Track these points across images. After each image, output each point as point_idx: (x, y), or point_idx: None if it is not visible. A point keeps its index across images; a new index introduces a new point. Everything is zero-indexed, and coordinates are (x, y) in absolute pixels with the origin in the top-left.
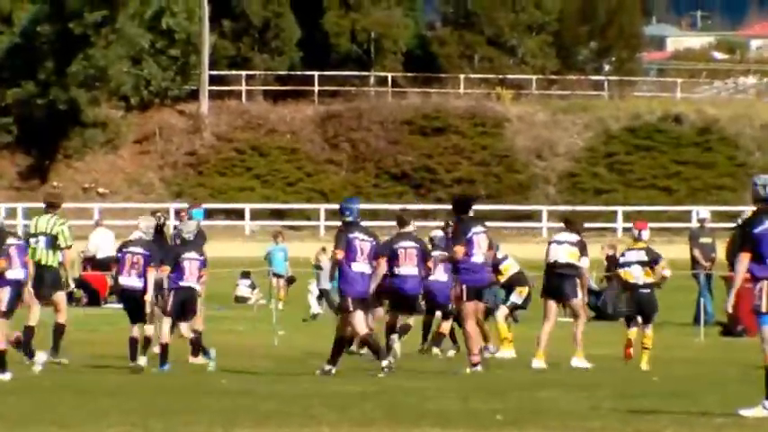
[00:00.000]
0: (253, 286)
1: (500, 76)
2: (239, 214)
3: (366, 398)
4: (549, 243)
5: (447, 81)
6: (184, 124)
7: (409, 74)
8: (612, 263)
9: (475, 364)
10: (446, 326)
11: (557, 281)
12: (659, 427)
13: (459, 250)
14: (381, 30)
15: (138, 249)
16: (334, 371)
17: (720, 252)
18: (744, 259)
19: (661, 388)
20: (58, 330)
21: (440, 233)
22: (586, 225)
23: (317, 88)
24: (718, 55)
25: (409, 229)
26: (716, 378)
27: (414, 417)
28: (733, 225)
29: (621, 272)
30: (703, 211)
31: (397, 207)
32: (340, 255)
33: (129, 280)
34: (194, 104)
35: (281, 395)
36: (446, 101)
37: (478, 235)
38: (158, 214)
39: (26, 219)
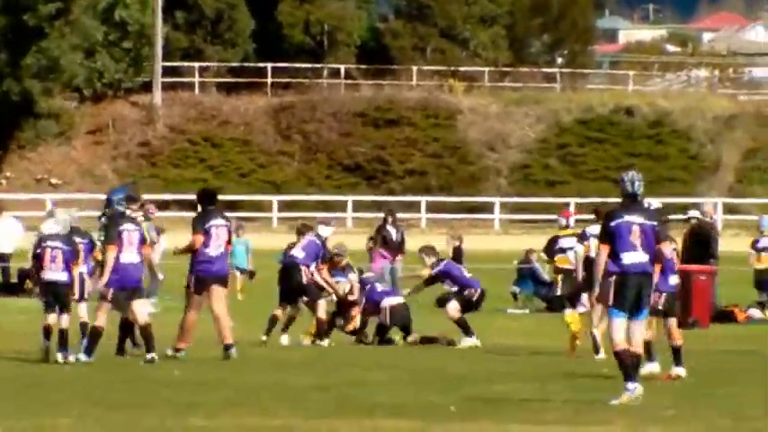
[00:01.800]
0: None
1: (452, 68)
2: (192, 205)
3: (319, 390)
4: (585, 237)
5: (400, 73)
6: (137, 115)
7: (362, 66)
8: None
9: (228, 347)
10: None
11: None
12: (611, 417)
13: (197, 240)
14: (335, 22)
15: (58, 244)
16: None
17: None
18: (603, 251)
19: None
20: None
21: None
22: (537, 217)
23: (269, 80)
24: (671, 48)
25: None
26: (667, 369)
27: (367, 408)
28: (684, 217)
29: (557, 258)
30: (655, 203)
31: (350, 198)
32: (112, 250)
33: (53, 274)
34: (147, 96)
35: (234, 387)
36: (399, 93)
37: (218, 227)
38: None
39: None
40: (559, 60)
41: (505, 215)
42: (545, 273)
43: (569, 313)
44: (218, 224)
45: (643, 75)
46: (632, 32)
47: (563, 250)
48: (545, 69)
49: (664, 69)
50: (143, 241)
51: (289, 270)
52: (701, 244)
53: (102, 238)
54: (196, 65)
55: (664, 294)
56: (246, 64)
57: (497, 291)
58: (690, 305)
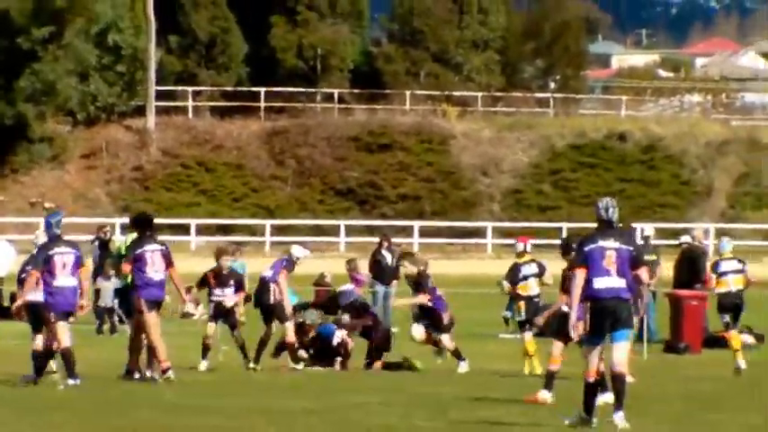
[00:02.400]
0: (197, 302)
1: (446, 93)
2: (185, 229)
3: (311, 414)
4: None
5: (393, 97)
6: (131, 139)
7: (355, 90)
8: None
9: (165, 371)
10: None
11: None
12: None
13: (125, 267)
14: (328, 46)
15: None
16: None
17: (668, 270)
18: (579, 274)
19: (602, 404)
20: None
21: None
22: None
23: (263, 104)
24: (663, 73)
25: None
26: (658, 394)
27: None
28: (676, 243)
29: (520, 285)
30: (648, 228)
31: (343, 223)
32: (33, 275)
33: (34, 295)
34: (141, 120)
35: (227, 411)
36: (392, 117)
37: (153, 252)
38: (105, 229)
39: None
40: (552, 85)
41: (498, 240)
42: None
43: (529, 338)
44: (153, 249)
45: (636, 100)
46: (625, 57)
47: (525, 278)
48: (538, 94)
49: (656, 95)
50: (78, 264)
51: (259, 290)
52: (692, 269)
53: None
54: (190, 89)
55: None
56: (240, 88)
57: (489, 316)
58: (681, 330)
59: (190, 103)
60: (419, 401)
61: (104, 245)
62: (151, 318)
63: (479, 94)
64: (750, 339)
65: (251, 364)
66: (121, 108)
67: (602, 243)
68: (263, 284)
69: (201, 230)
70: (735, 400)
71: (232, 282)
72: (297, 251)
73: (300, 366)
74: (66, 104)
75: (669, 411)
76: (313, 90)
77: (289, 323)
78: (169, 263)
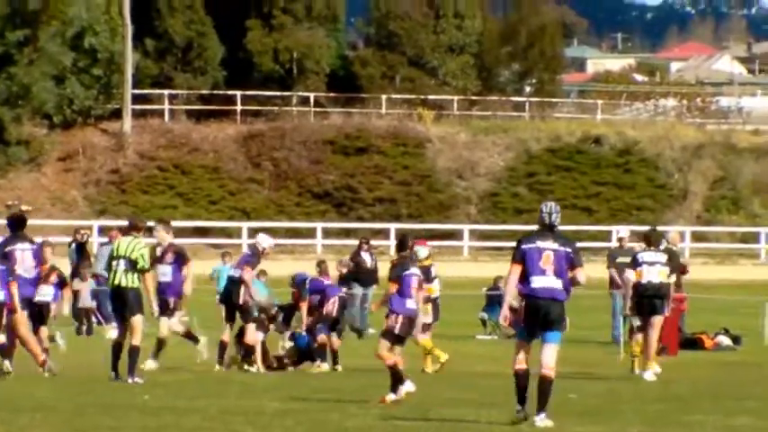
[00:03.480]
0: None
1: (421, 97)
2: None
3: (288, 415)
4: (637, 264)
5: (369, 101)
6: (107, 142)
7: (331, 94)
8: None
9: (42, 364)
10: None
11: (650, 300)
12: None
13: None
14: (304, 50)
15: None
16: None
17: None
18: (514, 272)
19: (578, 405)
20: (134, 352)
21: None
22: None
23: (239, 107)
24: (639, 77)
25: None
26: (634, 395)
27: None
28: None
29: (427, 287)
30: (624, 230)
31: (319, 225)
32: None
33: None
34: (117, 123)
35: (204, 411)
36: (368, 121)
37: (24, 251)
38: (82, 232)
39: None
40: (528, 89)
41: (474, 242)
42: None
43: (424, 338)
44: (24, 248)
45: (611, 104)
46: (601, 62)
47: (432, 280)
48: (513, 98)
49: (632, 99)
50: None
51: (227, 288)
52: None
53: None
54: (166, 92)
55: (401, 316)
56: (216, 92)
57: (466, 317)
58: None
59: (166, 107)
60: (399, 402)
61: (81, 247)
62: (21, 316)
63: (455, 97)
64: (727, 341)
65: (217, 367)
66: (98, 111)
67: (539, 243)
68: (232, 282)
69: (178, 233)
70: (712, 402)
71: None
72: (262, 240)
73: (254, 369)
74: (42, 107)
75: (645, 412)
76: (289, 94)
77: (251, 324)
78: (40, 262)
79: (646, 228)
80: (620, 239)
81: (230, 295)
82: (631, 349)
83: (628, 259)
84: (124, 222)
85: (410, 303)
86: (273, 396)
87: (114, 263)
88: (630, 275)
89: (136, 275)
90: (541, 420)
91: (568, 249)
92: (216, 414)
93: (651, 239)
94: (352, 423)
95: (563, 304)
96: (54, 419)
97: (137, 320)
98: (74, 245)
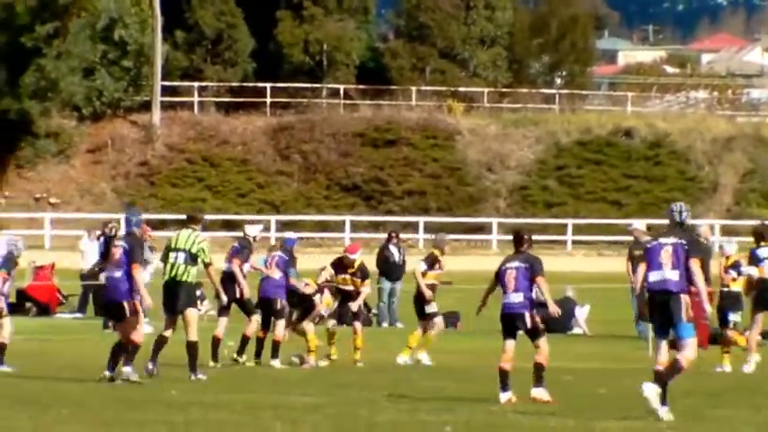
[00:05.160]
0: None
1: (452, 89)
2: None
3: (317, 409)
4: (758, 260)
5: (399, 93)
6: (137, 135)
7: (361, 86)
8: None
9: None
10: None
11: None
12: None
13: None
14: (334, 42)
15: None
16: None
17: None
18: (640, 269)
19: (608, 400)
20: (192, 348)
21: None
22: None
23: (269, 100)
24: (670, 69)
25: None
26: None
27: (363, 428)
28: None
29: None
30: (637, 223)
31: (348, 218)
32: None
33: None
34: (146, 115)
35: (232, 406)
36: (398, 113)
37: None
38: (110, 225)
39: None
40: (558, 81)
41: (503, 236)
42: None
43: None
44: None
45: (642, 96)
46: (632, 53)
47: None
48: (544, 90)
49: (663, 91)
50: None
51: (224, 282)
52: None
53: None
54: (195, 84)
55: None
56: (246, 84)
57: (495, 312)
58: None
59: (195, 99)
60: (425, 397)
61: (109, 240)
62: None
63: (485, 89)
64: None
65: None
66: (127, 103)
67: (662, 240)
68: (227, 277)
69: (207, 226)
70: (741, 397)
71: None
72: (249, 230)
73: (242, 359)
74: (71, 100)
75: (674, 407)
76: (319, 86)
77: (255, 317)
78: None
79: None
80: (631, 231)
81: (225, 290)
82: (737, 342)
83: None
84: (153, 216)
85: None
86: (302, 390)
87: (172, 255)
88: (753, 272)
89: (194, 270)
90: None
91: (683, 241)
92: (243, 409)
93: (764, 234)
94: (381, 418)
95: (679, 296)
96: (82, 415)
97: (191, 314)
98: (102, 238)
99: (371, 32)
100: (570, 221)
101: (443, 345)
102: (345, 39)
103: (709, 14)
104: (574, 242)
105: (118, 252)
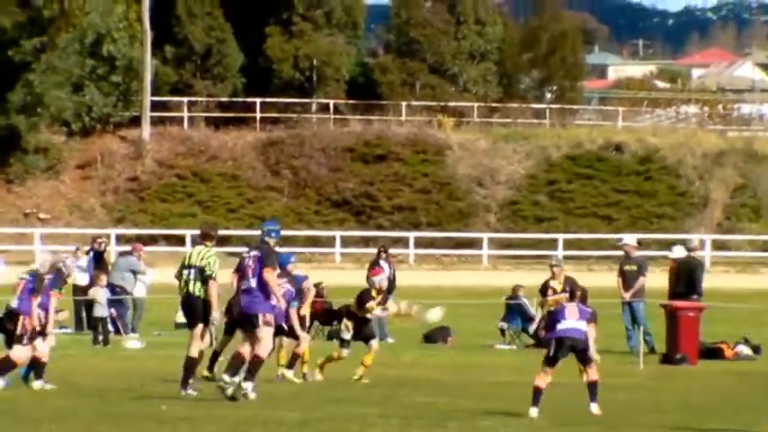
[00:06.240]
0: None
1: (442, 104)
2: (180, 240)
3: (307, 425)
4: None
5: (389, 108)
6: (126, 150)
7: (351, 101)
8: None
9: None
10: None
11: None
12: None
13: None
14: (324, 57)
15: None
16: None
17: (663, 280)
18: None
19: (600, 416)
20: (190, 363)
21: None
22: (526, 252)
23: (258, 115)
24: (660, 84)
25: None
26: (654, 405)
27: None
28: (673, 255)
29: None
30: (627, 238)
31: (338, 234)
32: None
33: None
34: (136, 130)
35: (222, 421)
36: (387, 128)
37: None
38: (100, 240)
39: None
40: (549, 96)
41: (494, 251)
42: (533, 309)
43: None
44: None
45: (632, 111)
46: (622, 68)
47: None
48: (534, 105)
49: (653, 105)
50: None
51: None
52: (689, 280)
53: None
54: (185, 99)
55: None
56: (235, 99)
57: (485, 326)
58: (677, 341)
59: (185, 114)
60: (417, 412)
61: (99, 256)
62: None
63: (475, 104)
64: (747, 350)
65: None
66: (117, 118)
67: None
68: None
69: (196, 241)
70: (731, 412)
71: None
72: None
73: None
74: (60, 115)
75: (665, 422)
76: (308, 101)
77: (306, 335)
78: None
79: (667, 236)
80: (621, 246)
81: (230, 307)
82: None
83: (635, 267)
84: (143, 231)
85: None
86: (295, 406)
87: (185, 272)
88: None
89: (203, 284)
90: None
91: None
92: (233, 425)
93: None
94: None
95: None
96: (71, 430)
97: (198, 330)
98: (91, 253)
99: (361, 48)
100: (561, 236)
101: (434, 360)
102: (335, 54)
103: (699, 29)
104: (564, 257)
105: (251, 262)
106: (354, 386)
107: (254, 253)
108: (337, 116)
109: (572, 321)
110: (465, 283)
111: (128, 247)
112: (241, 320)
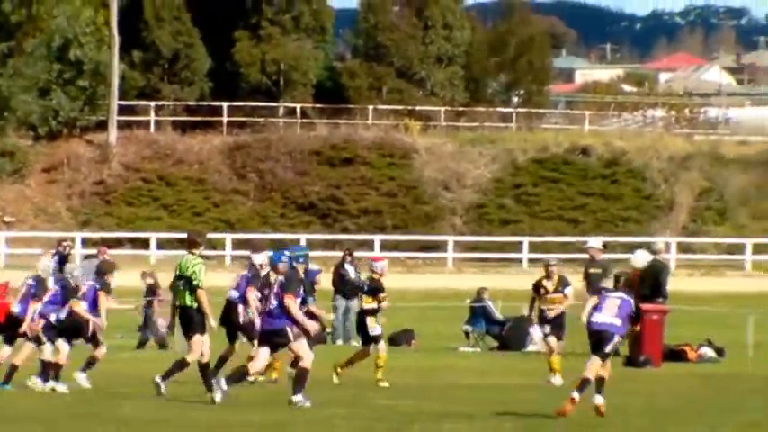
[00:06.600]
0: None
1: (409, 108)
2: (145, 243)
3: (271, 428)
4: None
5: (356, 112)
6: (92, 154)
7: (318, 105)
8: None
9: None
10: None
11: None
12: None
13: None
14: (291, 61)
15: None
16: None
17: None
18: None
19: (562, 420)
20: (179, 364)
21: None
22: (491, 256)
23: (225, 119)
24: (627, 88)
25: None
26: (618, 407)
27: None
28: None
29: None
30: (592, 241)
31: (304, 237)
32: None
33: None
34: (102, 134)
35: (183, 425)
36: (355, 132)
37: None
38: (65, 243)
39: None
40: (515, 100)
41: (459, 254)
42: (497, 312)
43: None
44: None
45: (599, 115)
46: (589, 72)
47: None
48: (501, 109)
49: (620, 109)
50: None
51: (226, 309)
52: (654, 283)
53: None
54: (152, 104)
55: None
56: (202, 103)
57: (450, 329)
58: (641, 344)
59: (152, 118)
60: (381, 415)
61: (64, 259)
62: None
63: (442, 108)
64: (710, 353)
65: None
66: (83, 122)
67: None
68: (231, 304)
69: (162, 244)
70: (696, 415)
71: None
72: (256, 258)
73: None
74: (27, 119)
75: (630, 425)
76: (276, 105)
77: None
78: None
79: (632, 239)
80: (586, 249)
81: (227, 316)
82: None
83: (599, 270)
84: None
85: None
86: (258, 409)
87: (178, 283)
88: None
89: (193, 293)
90: None
91: None
92: (195, 428)
93: None
94: None
95: None
96: (42, 428)
97: (195, 340)
98: (56, 256)
99: (329, 52)
100: (526, 239)
101: (398, 362)
102: (302, 58)
103: (666, 33)
104: (530, 260)
105: (276, 286)
106: (325, 387)
107: (278, 278)
108: (304, 120)
109: (606, 315)
110: (430, 285)
111: (93, 251)
112: (266, 340)
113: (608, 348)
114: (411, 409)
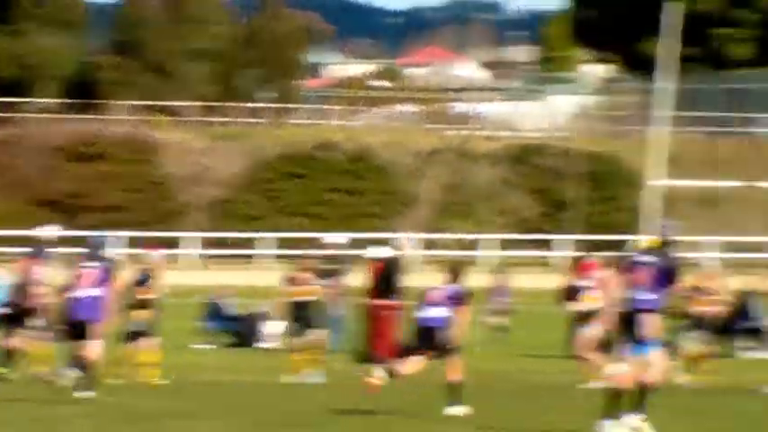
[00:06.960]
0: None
1: (159, 103)
2: None
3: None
4: None
5: (106, 108)
6: None
7: (68, 100)
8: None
9: None
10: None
11: None
12: None
13: None
14: (43, 55)
15: None
16: None
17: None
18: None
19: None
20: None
21: None
22: (235, 252)
23: None
24: (379, 83)
25: None
26: (351, 406)
27: None
28: (375, 255)
29: None
30: (339, 237)
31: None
32: None
33: None
34: None
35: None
36: (105, 127)
37: None
38: None
39: None
40: (267, 95)
41: (204, 250)
42: (235, 309)
43: None
44: None
45: (349, 110)
46: (344, 67)
47: None
48: (250, 104)
49: (370, 104)
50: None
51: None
52: (389, 279)
53: None
54: None
55: None
56: None
57: (187, 325)
58: (375, 341)
59: None
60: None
61: None
62: None
63: (192, 103)
64: None
65: None
66: None
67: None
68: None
69: None
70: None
71: None
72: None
73: None
74: None
75: (358, 424)
76: (24, 100)
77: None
78: None
79: (376, 234)
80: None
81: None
82: None
83: (339, 267)
84: None
85: None
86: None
87: None
88: None
89: None
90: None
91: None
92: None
93: None
94: None
95: None
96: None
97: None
98: None
99: (83, 47)
100: (270, 235)
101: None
102: (54, 53)
103: (422, 28)
104: (278, 256)
105: None
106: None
107: None
108: (55, 116)
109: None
110: (174, 281)
111: None
112: None
113: None
114: (156, 408)
